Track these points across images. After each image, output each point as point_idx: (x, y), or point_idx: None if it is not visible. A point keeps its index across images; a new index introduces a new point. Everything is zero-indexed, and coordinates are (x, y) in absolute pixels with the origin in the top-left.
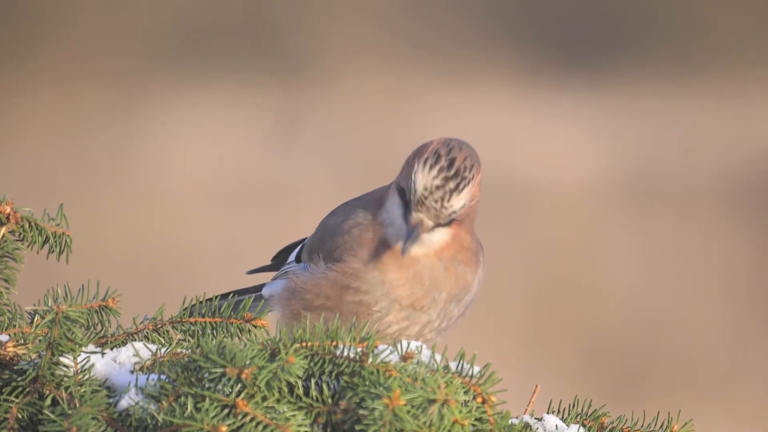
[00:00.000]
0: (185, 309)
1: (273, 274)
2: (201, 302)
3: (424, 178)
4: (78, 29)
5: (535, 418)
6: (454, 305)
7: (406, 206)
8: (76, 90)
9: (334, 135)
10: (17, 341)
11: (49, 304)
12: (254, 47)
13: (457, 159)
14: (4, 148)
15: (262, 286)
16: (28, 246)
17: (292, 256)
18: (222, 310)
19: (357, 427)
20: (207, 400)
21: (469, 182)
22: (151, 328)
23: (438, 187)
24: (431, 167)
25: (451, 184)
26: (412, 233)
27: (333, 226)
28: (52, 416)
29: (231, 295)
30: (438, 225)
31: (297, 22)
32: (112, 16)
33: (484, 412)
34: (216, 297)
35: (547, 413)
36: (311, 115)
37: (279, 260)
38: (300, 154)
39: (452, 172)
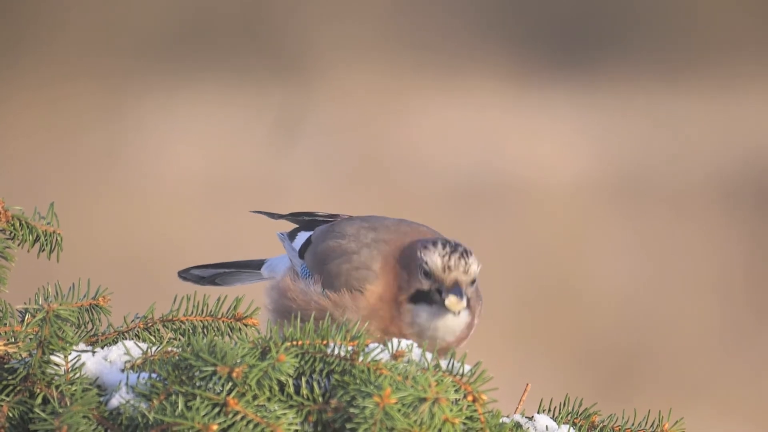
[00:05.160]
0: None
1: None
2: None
3: (436, 255)
4: (71, 28)
5: (526, 417)
6: None
7: (433, 290)
8: (69, 88)
9: (329, 133)
10: (8, 340)
11: (40, 302)
12: (249, 46)
13: (453, 241)
14: None
15: (262, 262)
16: (18, 244)
17: (298, 242)
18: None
19: (348, 426)
20: (198, 398)
21: (471, 251)
22: (141, 326)
23: (452, 252)
24: (434, 247)
25: (460, 249)
26: (456, 290)
27: (340, 252)
28: (43, 415)
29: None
30: (467, 305)
31: (292, 21)
32: (105, 15)
33: (475, 410)
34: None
35: (538, 412)
36: (306, 113)
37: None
38: (295, 152)
39: (453, 243)
